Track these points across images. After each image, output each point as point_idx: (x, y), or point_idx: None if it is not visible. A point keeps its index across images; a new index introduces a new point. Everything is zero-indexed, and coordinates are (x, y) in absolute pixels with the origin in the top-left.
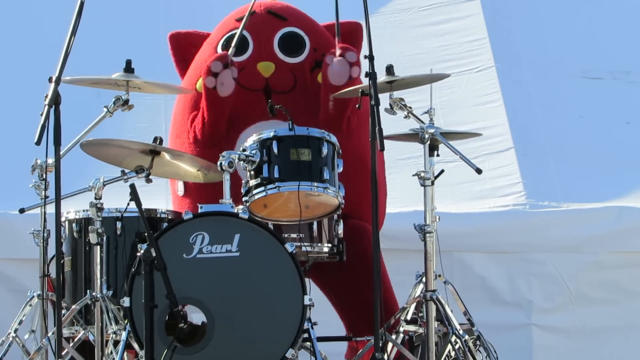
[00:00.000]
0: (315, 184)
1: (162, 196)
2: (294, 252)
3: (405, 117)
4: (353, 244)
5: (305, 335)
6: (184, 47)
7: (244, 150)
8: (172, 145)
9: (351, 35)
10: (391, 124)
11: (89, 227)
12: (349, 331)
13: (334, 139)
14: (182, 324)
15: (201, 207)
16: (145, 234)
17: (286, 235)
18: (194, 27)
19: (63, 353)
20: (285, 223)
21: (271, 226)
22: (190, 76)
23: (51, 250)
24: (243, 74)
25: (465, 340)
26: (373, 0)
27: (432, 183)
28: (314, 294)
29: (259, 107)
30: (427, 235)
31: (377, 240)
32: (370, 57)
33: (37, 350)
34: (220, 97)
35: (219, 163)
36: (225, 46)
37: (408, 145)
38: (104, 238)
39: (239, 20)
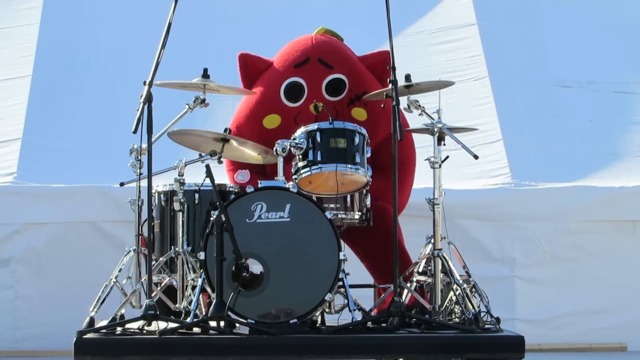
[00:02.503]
0: (349, 165)
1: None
2: (332, 218)
3: (420, 114)
4: (376, 218)
5: (340, 283)
6: (250, 68)
7: (294, 139)
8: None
9: (384, 63)
10: (408, 120)
11: (174, 197)
12: (376, 280)
13: (364, 131)
14: (245, 273)
15: (260, 183)
16: (217, 203)
17: (326, 205)
18: (256, 45)
19: (153, 295)
20: (325, 196)
21: (315, 198)
22: (252, 103)
23: (144, 215)
24: (299, 116)
25: (464, 288)
26: (395, 25)
27: (440, 166)
28: (347, 251)
29: None
30: (435, 206)
31: (395, 214)
32: (393, 68)
33: (133, 293)
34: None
35: (274, 149)
36: (287, 93)
37: (421, 136)
38: (185, 206)
39: (297, 66)
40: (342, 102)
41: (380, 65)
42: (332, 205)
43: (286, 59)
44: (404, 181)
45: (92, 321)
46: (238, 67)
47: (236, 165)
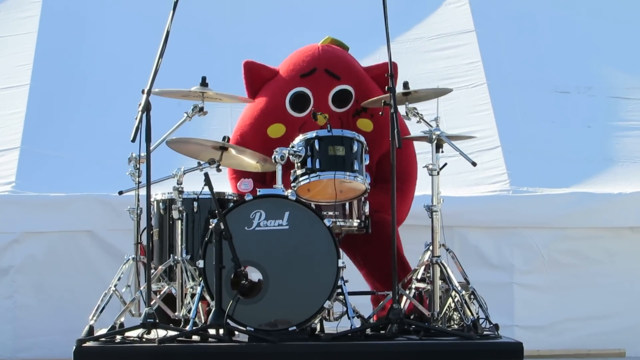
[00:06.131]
0: (348, 173)
1: (228, 182)
2: (330, 226)
3: (418, 122)
4: (375, 228)
5: (339, 290)
6: (255, 76)
7: (292, 146)
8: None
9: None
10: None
11: (172, 205)
12: (373, 287)
13: (362, 138)
14: (244, 281)
15: (259, 191)
16: (216, 211)
17: (325, 213)
18: (255, 52)
19: (152, 303)
20: (324, 203)
21: (313, 206)
22: (257, 111)
23: (143, 224)
24: (304, 127)
25: (462, 295)
26: (393, 31)
27: (438, 173)
28: (345, 259)
29: None
30: (434, 213)
31: (394, 223)
32: (391, 75)
33: (132, 301)
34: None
35: (273, 157)
36: (293, 103)
37: (419, 143)
38: (184, 214)
39: (303, 76)
40: (347, 112)
41: (385, 76)
42: (330, 213)
43: (292, 69)
44: (404, 194)
45: (91, 330)
46: (243, 75)
47: (238, 174)
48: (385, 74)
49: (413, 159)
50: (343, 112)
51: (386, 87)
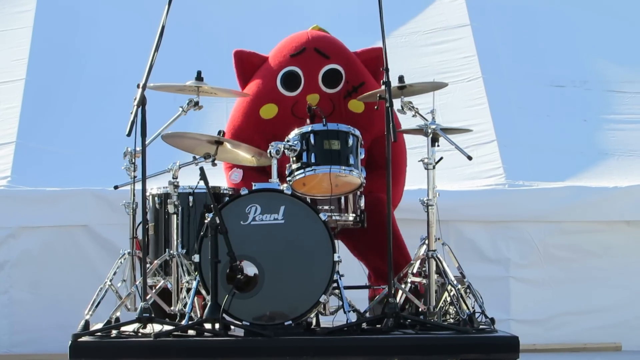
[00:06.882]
0: (343, 167)
1: (224, 176)
2: (326, 220)
3: (413, 116)
4: (372, 210)
5: (335, 284)
6: (246, 64)
7: (288, 141)
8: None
9: (377, 59)
10: (402, 121)
11: (168, 200)
12: (373, 275)
13: (357, 132)
14: (240, 276)
15: (255, 185)
16: (211, 206)
17: (320, 207)
18: (250, 47)
19: (147, 297)
20: (319, 197)
21: (309, 200)
22: (249, 94)
23: (138, 218)
24: (296, 106)
25: (458, 289)
26: (388, 26)
27: (434, 167)
28: (343, 251)
29: None
30: (430, 207)
31: (389, 212)
32: (386, 69)
33: (128, 295)
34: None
35: (268, 151)
36: (284, 82)
37: (415, 137)
38: (180, 209)
39: (293, 56)
40: (338, 94)
41: (374, 61)
42: (326, 207)
43: (282, 51)
44: (397, 177)
45: (87, 324)
46: (234, 64)
47: (233, 165)
48: (381, 67)
49: (402, 147)
50: (334, 93)
51: (381, 81)
